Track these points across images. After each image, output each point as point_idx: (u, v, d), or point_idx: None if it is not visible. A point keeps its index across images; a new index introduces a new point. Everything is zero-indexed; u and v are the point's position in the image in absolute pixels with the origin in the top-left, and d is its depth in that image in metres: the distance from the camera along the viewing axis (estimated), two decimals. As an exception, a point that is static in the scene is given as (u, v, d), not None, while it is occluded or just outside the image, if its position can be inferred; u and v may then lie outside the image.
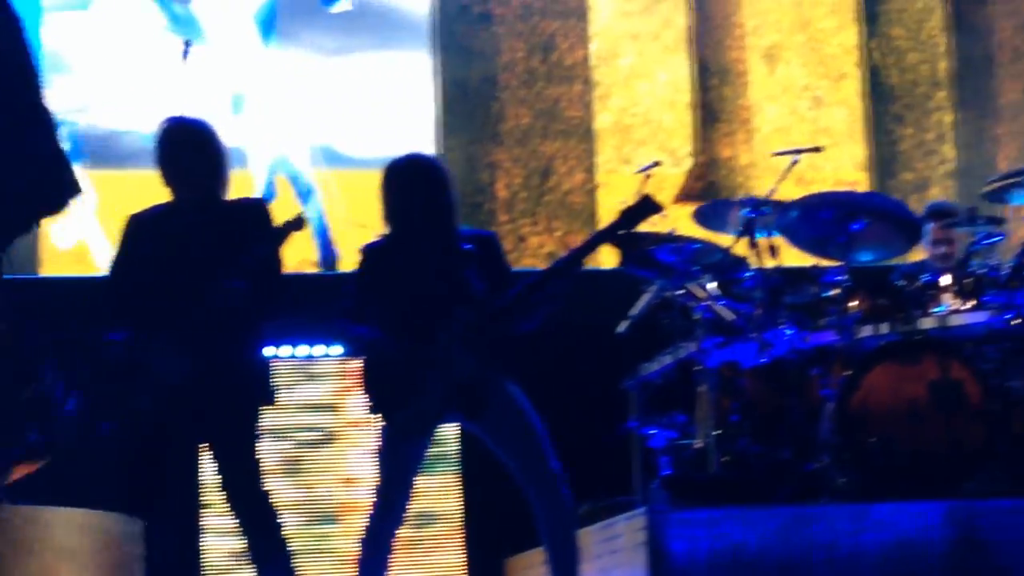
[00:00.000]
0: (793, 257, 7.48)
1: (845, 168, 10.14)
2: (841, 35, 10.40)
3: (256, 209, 5.84)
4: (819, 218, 7.06)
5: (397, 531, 5.72)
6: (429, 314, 5.61)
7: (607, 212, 9.66)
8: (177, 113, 5.94)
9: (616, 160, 10.00)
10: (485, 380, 5.62)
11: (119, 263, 5.82)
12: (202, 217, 5.67)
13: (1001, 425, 6.49)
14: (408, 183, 5.82)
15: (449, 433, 8.11)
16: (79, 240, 9.18)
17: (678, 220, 9.11)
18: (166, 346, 5.51)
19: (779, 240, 7.29)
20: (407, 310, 5.66)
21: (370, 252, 5.88)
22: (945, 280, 6.87)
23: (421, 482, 7.20)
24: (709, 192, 9.96)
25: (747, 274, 7.07)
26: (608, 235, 5.76)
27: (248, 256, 5.51)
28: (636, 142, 10.05)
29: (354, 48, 9.88)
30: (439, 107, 9.86)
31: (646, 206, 5.74)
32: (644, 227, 5.84)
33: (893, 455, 6.46)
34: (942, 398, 6.47)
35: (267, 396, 5.74)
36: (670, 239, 7.05)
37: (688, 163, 10.11)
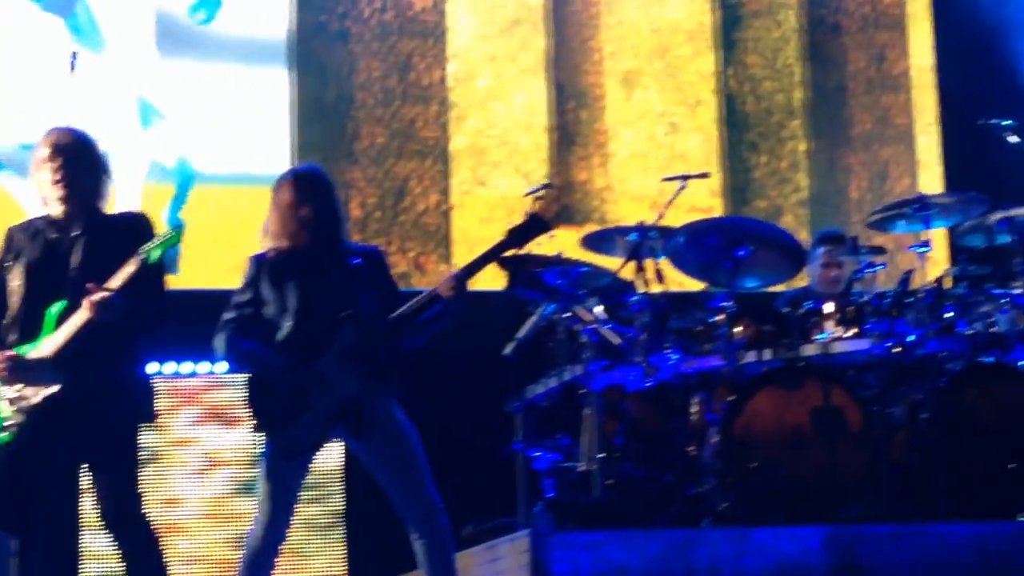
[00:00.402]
0: (679, 282, 7.53)
1: (700, 194, 9.92)
2: (698, 62, 10.40)
3: (137, 222, 5.72)
4: (705, 244, 7.13)
5: (279, 549, 5.66)
6: (316, 330, 5.57)
7: (461, 234, 9.68)
8: (62, 123, 5.82)
9: (471, 182, 9.91)
10: (370, 399, 5.59)
11: None
12: (80, 229, 5.53)
13: (881, 451, 6.59)
14: (295, 196, 5.77)
15: (333, 451, 8.05)
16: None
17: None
18: (40, 362, 5.37)
19: (666, 265, 7.34)
20: (294, 326, 5.62)
21: (258, 265, 5.81)
22: (828, 307, 6.97)
23: (304, 500, 7.18)
24: (563, 215, 9.83)
25: (633, 298, 7.10)
26: (496, 254, 5.76)
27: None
28: (492, 164, 9.96)
29: (212, 61, 9.69)
30: (295, 125, 9.69)
31: (534, 225, 5.76)
32: (533, 249, 5.87)
33: (775, 480, 6.52)
34: (823, 424, 6.55)
35: (146, 415, 5.60)
36: (558, 262, 7.07)
37: None
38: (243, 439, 8.56)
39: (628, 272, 7.20)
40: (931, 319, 6.94)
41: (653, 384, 6.91)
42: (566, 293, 6.98)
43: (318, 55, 9.81)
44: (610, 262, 7.45)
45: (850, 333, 6.90)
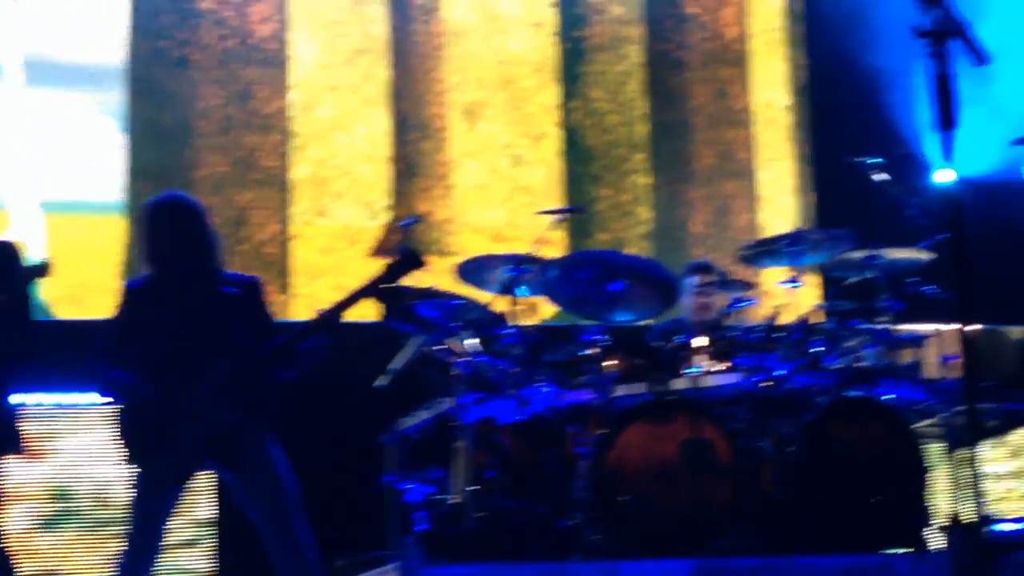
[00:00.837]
0: (552, 315, 7.55)
1: (543, 227, 10.14)
2: (542, 94, 10.46)
3: (4, 252, 5.63)
4: (579, 277, 7.15)
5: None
6: (188, 359, 5.51)
7: (301, 264, 9.63)
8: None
9: (311, 212, 9.85)
10: (241, 430, 5.54)
11: None
12: None
13: (749, 484, 6.64)
14: (169, 223, 5.72)
15: (204, 482, 7.95)
16: None
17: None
18: None
19: (539, 298, 7.36)
20: (166, 354, 5.55)
21: (130, 292, 5.74)
22: (699, 341, 7.04)
23: (173, 530, 7.09)
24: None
25: (507, 331, 7.12)
26: (371, 289, 5.75)
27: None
28: (333, 194, 9.92)
29: (46, 87, 9.47)
30: (131, 151, 9.52)
31: (410, 261, 5.75)
32: (407, 280, 5.86)
33: (644, 513, 6.54)
34: (693, 457, 6.58)
35: (11, 445, 5.51)
36: (432, 294, 7.05)
37: (385, 217, 9.96)
38: (45, 473, 8.37)
39: (502, 305, 7.21)
40: (799, 354, 7.05)
41: (525, 417, 6.92)
42: (439, 325, 6.97)
43: (157, 81, 9.66)
44: (484, 295, 7.45)
45: (720, 367, 6.98)
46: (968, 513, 6.17)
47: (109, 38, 9.59)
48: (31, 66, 9.39)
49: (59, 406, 8.46)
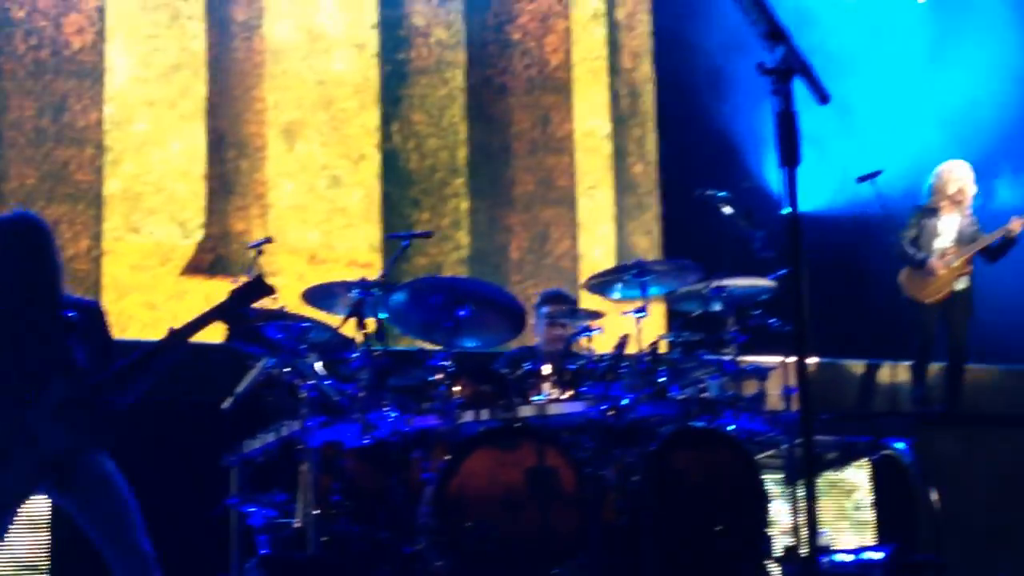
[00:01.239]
0: (400, 340, 7.54)
1: (360, 249, 10.12)
2: (363, 116, 10.43)
3: None
4: (427, 303, 7.15)
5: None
6: (24, 383, 5.41)
7: (112, 280, 9.50)
8: None
9: (124, 228, 9.68)
10: (77, 454, 5.45)
11: None
12: None
13: (592, 513, 6.68)
14: (7, 244, 5.61)
15: (40, 505, 7.80)
16: None
17: (187, 294, 9.07)
18: None
19: (387, 322, 7.35)
20: (1, 377, 5.44)
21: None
22: (546, 369, 7.07)
23: (5, 554, 6.95)
24: (218, 266, 9.76)
25: (354, 355, 7.08)
26: (217, 314, 5.70)
27: None
28: (146, 210, 9.75)
29: None
30: None
31: (257, 288, 5.72)
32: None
33: (488, 539, 6.54)
34: (537, 485, 6.60)
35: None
36: (279, 316, 7.01)
37: (199, 235, 9.86)
38: None
39: (349, 328, 7.18)
40: (645, 383, 7.12)
41: (371, 441, 6.89)
42: (286, 348, 6.92)
43: (-35, 92, 9.41)
44: (331, 318, 7.42)
45: (566, 395, 7.02)
46: (804, 544, 6.27)
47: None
48: None
49: None
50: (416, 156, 10.53)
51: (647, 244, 10.93)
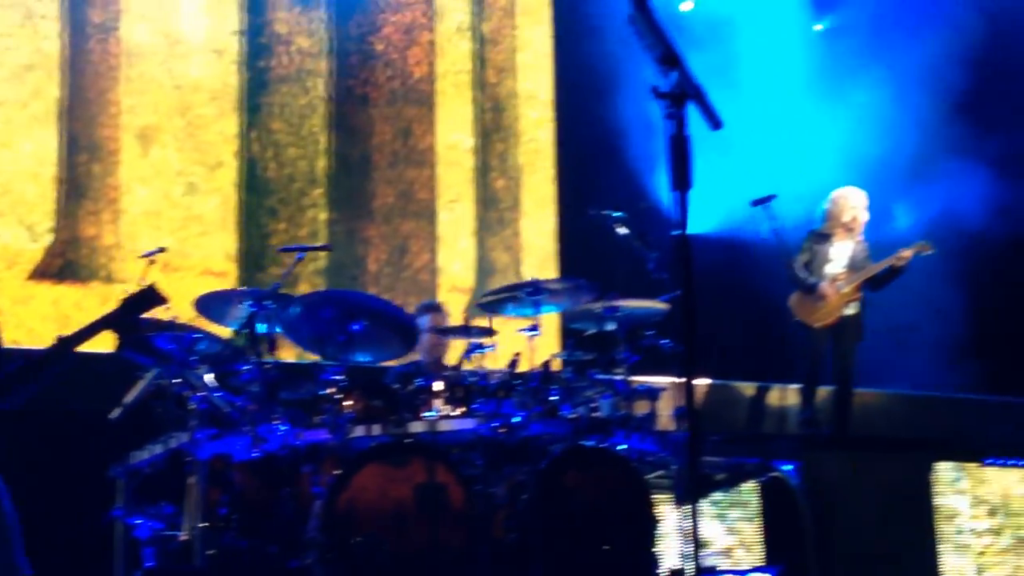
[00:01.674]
0: (292, 353, 7.49)
1: (215, 257, 10.03)
2: (221, 123, 10.35)
3: None
4: (321, 316, 7.12)
5: None
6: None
7: None
8: None
9: None
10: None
11: None
12: None
13: (481, 530, 6.68)
14: None
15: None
16: None
17: (34, 299, 8.95)
18: None
19: (279, 335, 7.31)
20: None
21: None
22: (438, 385, 7.06)
23: None
24: (67, 271, 9.63)
25: (245, 367, 7.03)
26: (107, 323, 5.64)
27: None
28: None
29: None
30: None
31: (149, 297, 5.66)
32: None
33: (377, 555, 6.52)
34: (427, 501, 6.59)
35: None
36: (170, 326, 6.94)
37: (48, 239, 9.70)
38: None
39: (241, 340, 7.13)
40: (536, 402, 7.13)
41: (260, 455, 6.84)
42: (177, 359, 6.86)
43: None
44: (222, 329, 7.37)
45: (457, 412, 7.02)
46: (690, 564, 6.32)
47: None
48: None
49: None
50: (275, 165, 10.46)
51: (507, 259, 10.93)
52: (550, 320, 9.21)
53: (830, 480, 8.68)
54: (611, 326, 7.77)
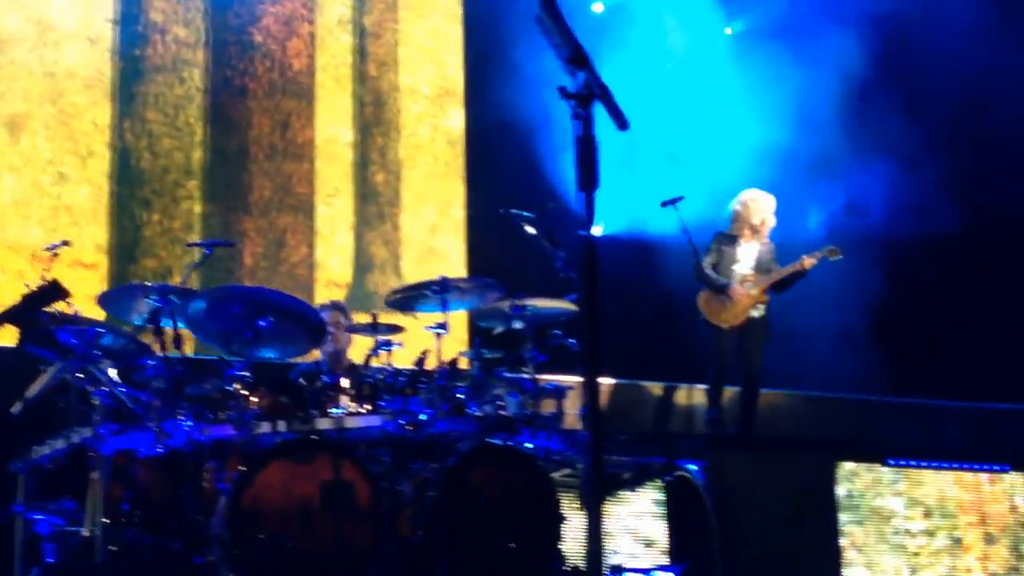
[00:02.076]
0: (198, 348, 7.44)
1: (86, 249, 9.90)
2: (94, 112, 10.24)
3: None
4: (228, 312, 7.07)
5: None
6: None
7: None
8: None
9: None
10: None
11: None
12: None
13: (388, 527, 6.67)
14: None
15: None
16: None
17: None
18: None
19: (185, 331, 7.25)
20: None
21: None
22: (344, 382, 7.05)
23: None
24: None
25: (150, 362, 6.97)
26: (8, 317, 5.58)
27: None
28: None
29: None
30: None
31: (52, 291, 5.61)
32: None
33: (281, 552, 6.49)
34: (333, 498, 6.57)
35: None
36: (73, 320, 6.86)
37: None
38: None
39: (146, 335, 7.07)
40: (443, 399, 7.13)
41: (164, 450, 6.79)
42: (80, 353, 6.78)
43: None
44: (128, 325, 7.30)
45: (364, 409, 7.00)
46: (594, 563, 6.33)
47: None
48: None
49: None
50: (149, 155, 10.34)
51: (386, 254, 10.90)
52: (458, 318, 9.20)
53: (735, 480, 8.74)
54: (519, 325, 7.78)
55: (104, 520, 6.65)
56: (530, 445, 7.31)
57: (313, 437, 6.82)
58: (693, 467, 8.39)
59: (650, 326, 11.09)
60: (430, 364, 7.29)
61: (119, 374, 6.97)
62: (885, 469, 9.51)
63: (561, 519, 6.99)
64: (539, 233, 8.03)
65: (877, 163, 12.26)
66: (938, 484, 9.69)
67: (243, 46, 10.73)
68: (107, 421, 6.74)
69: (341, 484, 6.60)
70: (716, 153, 11.57)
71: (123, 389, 6.92)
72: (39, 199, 9.87)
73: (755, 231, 10.40)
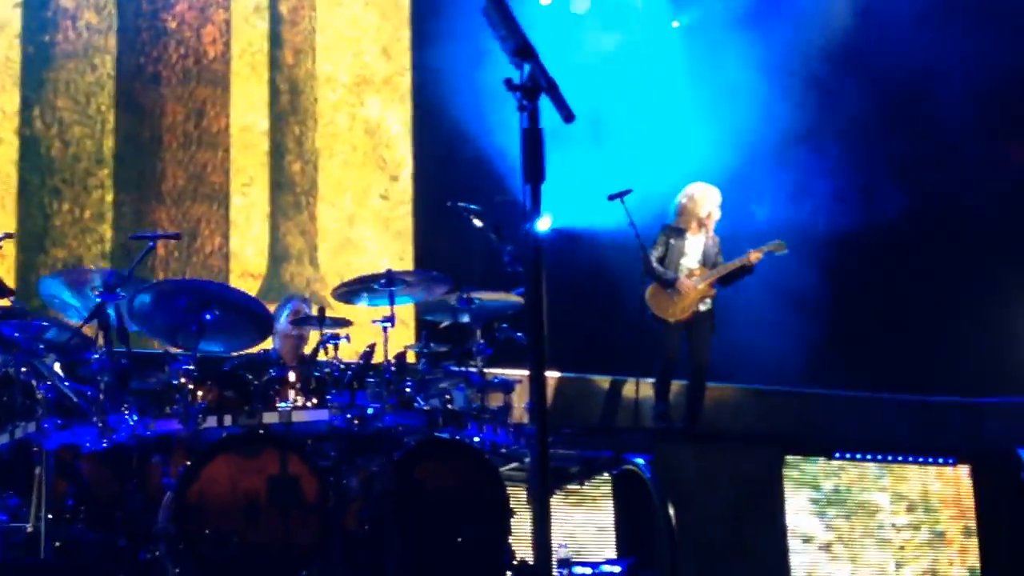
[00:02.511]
0: (143, 342, 7.38)
1: None
2: (2, 99, 10.14)
3: None
4: (173, 305, 7.04)
5: None
6: None
7: None
8: None
9: None
10: None
11: None
12: None
13: (335, 521, 6.66)
14: None
15: None
16: None
17: None
18: None
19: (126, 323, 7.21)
20: None
21: None
22: (291, 376, 7.02)
23: None
24: None
25: (94, 356, 6.92)
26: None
27: None
28: None
29: None
30: None
31: (-6, 286, 5.57)
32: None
33: (228, 547, 6.46)
34: (279, 492, 6.55)
35: None
36: (16, 314, 6.82)
37: None
38: None
39: (90, 329, 7.02)
40: (390, 393, 7.11)
41: (109, 445, 6.75)
42: (23, 347, 6.73)
43: None
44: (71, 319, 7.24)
45: (311, 403, 6.98)
46: (542, 557, 6.33)
47: None
48: None
49: None
50: (59, 143, 10.23)
51: (303, 244, 10.85)
52: (405, 311, 9.18)
53: (682, 473, 8.77)
54: (466, 318, 7.77)
55: (48, 516, 6.60)
56: (477, 439, 7.31)
57: (259, 431, 6.79)
58: (640, 461, 8.40)
59: (597, 320, 11.10)
60: (377, 358, 7.27)
61: (63, 368, 6.93)
62: (871, 464, 9.58)
63: (509, 513, 6.99)
64: (487, 226, 8.02)
65: (819, 153, 12.31)
66: (922, 479, 9.79)
67: (156, 32, 10.62)
68: (51, 416, 6.68)
69: (288, 478, 6.58)
70: (667, 147, 11.58)
71: (67, 383, 6.87)
72: (-57, 188, 9.70)
73: (701, 224, 10.43)
